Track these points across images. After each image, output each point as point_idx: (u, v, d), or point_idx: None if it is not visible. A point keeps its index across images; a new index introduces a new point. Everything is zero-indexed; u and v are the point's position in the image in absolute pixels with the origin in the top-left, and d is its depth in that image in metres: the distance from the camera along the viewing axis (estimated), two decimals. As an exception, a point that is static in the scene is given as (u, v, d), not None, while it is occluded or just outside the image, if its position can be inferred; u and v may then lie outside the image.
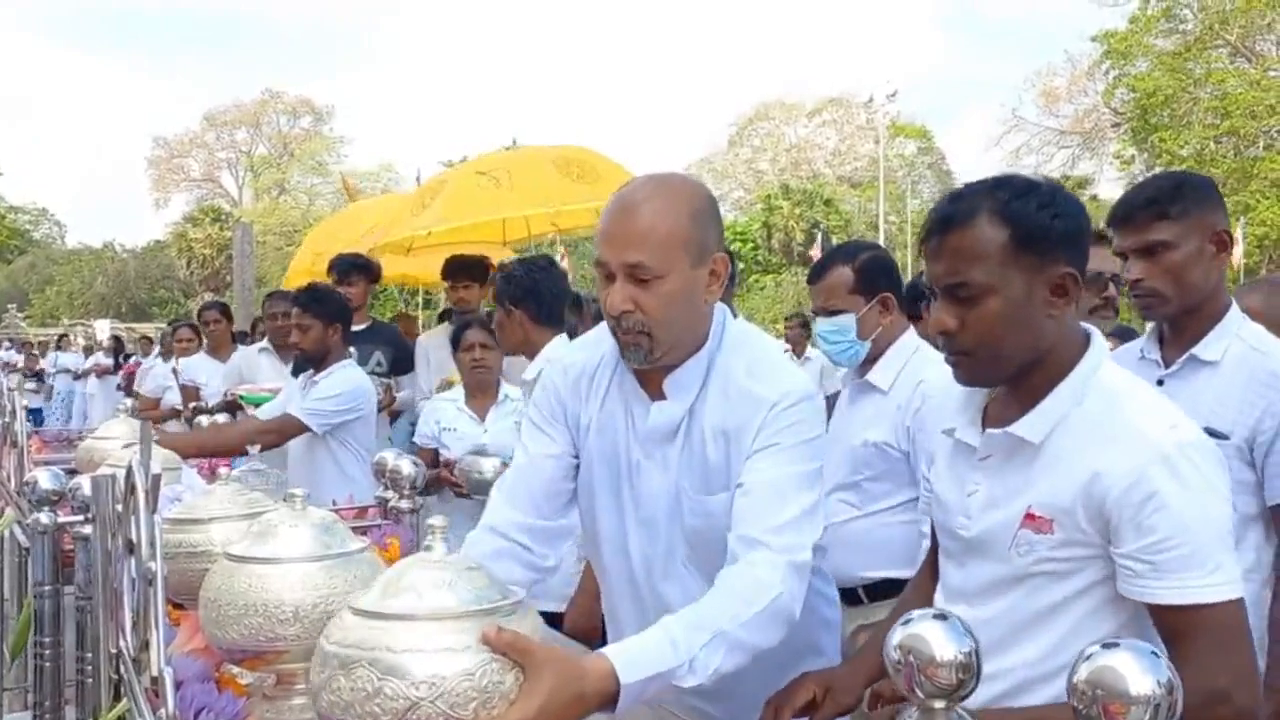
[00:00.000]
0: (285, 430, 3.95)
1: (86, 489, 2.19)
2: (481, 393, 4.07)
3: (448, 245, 5.78)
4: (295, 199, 50.38)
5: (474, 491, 3.72)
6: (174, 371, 7.33)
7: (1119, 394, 1.48)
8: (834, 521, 2.50)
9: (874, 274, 2.54)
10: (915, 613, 1.03)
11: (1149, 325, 2.25)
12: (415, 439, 4.18)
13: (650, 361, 1.74)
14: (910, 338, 2.52)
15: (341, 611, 1.19)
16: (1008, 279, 1.46)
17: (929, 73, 75.84)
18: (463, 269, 4.85)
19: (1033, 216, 1.46)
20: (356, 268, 5.22)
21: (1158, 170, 31.33)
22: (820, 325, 2.61)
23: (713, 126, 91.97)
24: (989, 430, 1.55)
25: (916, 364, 2.43)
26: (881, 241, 35.35)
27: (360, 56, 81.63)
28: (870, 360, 2.54)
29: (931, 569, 1.78)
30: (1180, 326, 2.11)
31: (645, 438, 1.82)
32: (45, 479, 2.26)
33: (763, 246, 37.98)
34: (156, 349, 13.44)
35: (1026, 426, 1.49)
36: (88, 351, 16.34)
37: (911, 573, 2.33)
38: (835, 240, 38.85)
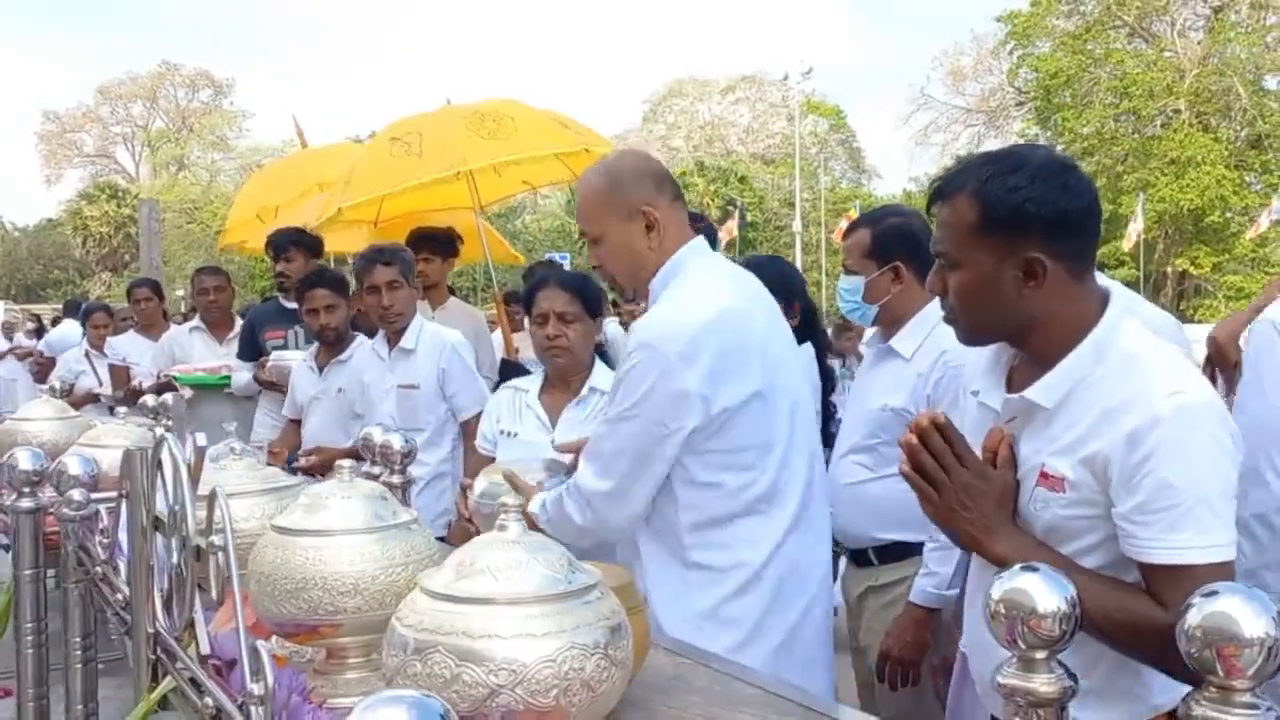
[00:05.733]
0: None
1: (72, 469, 2.11)
2: (560, 383, 2.89)
3: (414, 215, 5.61)
4: (195, 175, 48.94)
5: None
6: (87, 355, 7.06)
7: (1135, 356, 1.49)
8: (848, 482, 2.54)
9: (889, 241, 2.55)
10: (1014, 567, 1.05)
11: None
12: (477, 442, 3.14)
13: (627, 294, 2.33)
14: (935, 307, 2.54)
15: (413, 592, 1.16)
16: (974, 256, 1.53)
17: (840, 52, 76.72)
18: (423, 240, 4.75)
19: (1003, 199, 1.50)
20: (294, 243, 5.02)
21: (1060, 148, 32.29)
22: (840, 282, 2.70)
23: (627, 103, 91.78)
24: (1007, 395, 1.59)
25: (940, 334, 2.45)
26: (798, 219, 35.78)
27: (263, 26, 79.46)
28: (894, 326, 2.57)
29: None
30: None
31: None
32: (25, 459, 2.17)
33: (677, 223, 37.99)
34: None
35: (1040, 391, 1.52)
36: None
37: (923, 536, 2.38)
38: (751, 217, 39.25)
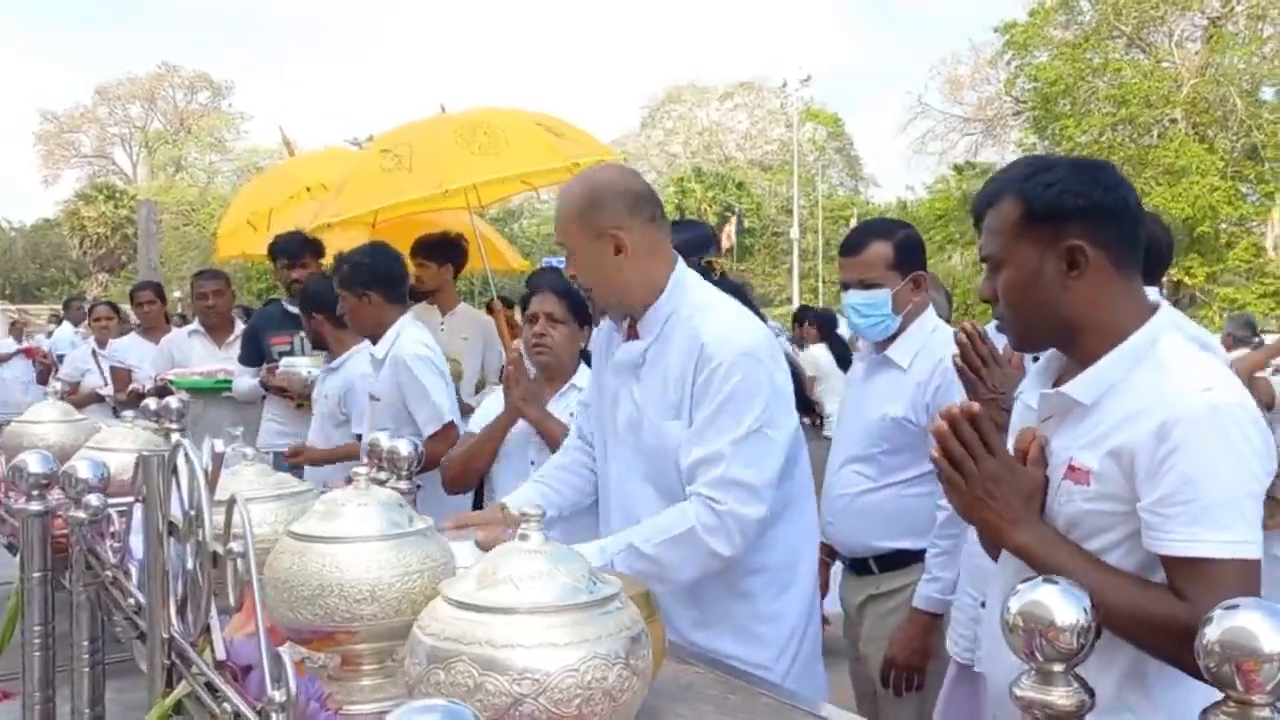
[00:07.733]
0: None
1: (81, 472, 2.11)
2: (548, 386, 3.06)
3: (412, 216, 5.58)
4: (193, 177, 48.87)
5: None
6: (94, 353, 7.07)
7: (1170, 361, 1.52)
8: (847, 493, 2.56)
9: (910, 251, 2.60)
10: (1033, 580, 1.06)
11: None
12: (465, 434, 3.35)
13: (605, 310, 2.25)
14: (929, 317, 2.58)
15: (435, 601, 1.16)
16: (1019, 251, 1.59)
17: (838, 59, 76.87)
18: (417, 245, 4.73)
19: (1041, 193, 1.57)
20: (302, 247, 4.98)
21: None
22: (853, 298, 2.63)
23: (625, 108, 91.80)
24: (1044, 391, 1.62)
25: (935, 343, 2.48)
26: (795, 225, 35.82)
27: (261, 25, 79.43)
28: (889, 336, 2.58)
29: None
30: None
31: (615, 370, 2.24)
32: (35, 462, 2.17)
33: (675, 229, 38.03)
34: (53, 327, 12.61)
35: (1078, 387, 1.56)
36: None
37: (924, 544, 2.39)
38: (748, 224, 39.29)
